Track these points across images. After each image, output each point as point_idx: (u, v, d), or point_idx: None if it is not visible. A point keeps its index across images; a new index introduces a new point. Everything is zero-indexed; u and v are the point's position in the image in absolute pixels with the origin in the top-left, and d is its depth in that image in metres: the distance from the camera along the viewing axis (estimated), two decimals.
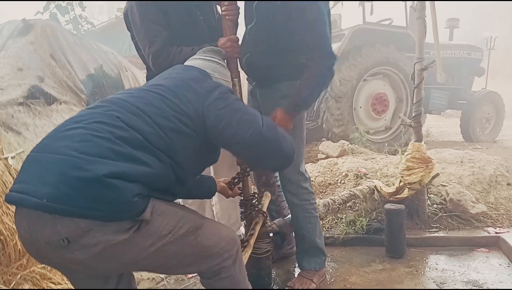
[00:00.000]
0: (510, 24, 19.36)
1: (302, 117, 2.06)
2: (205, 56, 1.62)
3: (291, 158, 1.52)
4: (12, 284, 1.99)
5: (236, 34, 1.95)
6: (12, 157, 2.34)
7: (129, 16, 1.97)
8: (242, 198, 2.03)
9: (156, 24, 1.89)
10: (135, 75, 5.41)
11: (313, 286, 2.08)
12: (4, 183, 2.16)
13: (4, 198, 1.16)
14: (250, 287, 1.52)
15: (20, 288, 2.04)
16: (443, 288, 2.02)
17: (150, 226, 1.14)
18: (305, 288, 2.06)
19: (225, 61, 1.92)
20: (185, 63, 1.62)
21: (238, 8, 1.91)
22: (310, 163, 3.77)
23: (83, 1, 6.05)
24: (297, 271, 2.30)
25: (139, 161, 1.14)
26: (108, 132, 1.15)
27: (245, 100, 2.01)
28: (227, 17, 1.87)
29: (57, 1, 5.76)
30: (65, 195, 1.03)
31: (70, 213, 1.03)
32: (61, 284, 2.19)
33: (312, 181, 3.28)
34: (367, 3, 5.80)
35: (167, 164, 1.22)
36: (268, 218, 2.13)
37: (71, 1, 5.96)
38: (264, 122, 1.42)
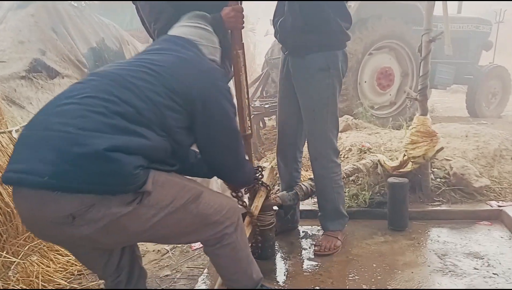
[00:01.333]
0: None
1: (334, 92, 2.04)
2: (191, 22, 1.59)
3: (241, 184, 1.75)
4: (21, 255, 2.03)
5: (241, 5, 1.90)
6: (16, 131, 2.35)
7: None
8: None
9: None
10: (137, 49, 5.36)
11: (339, 243, 2.19)
12: (8, 156, 2.17)
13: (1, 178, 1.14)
14: (251, 255, 1.56)
15: (29, 259, 2.09)
16: (445, 260, 2.04)
17: (152, 197, 1.15)
18: (332, 245, 2.15)
19: (229, 31, 1.90)
20: (172, 31, 1.59)
21: None
22: None
23: None
24: (299, 243, 2.34)
25: (136, 133, 1.14)
26: (102, 106, 1.13)
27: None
28: None
29: None
30: (66, 171, 1.02)
31: (74, 189, 1.03)
32: (68, 255, 2.24)
33: None
34: None
35: (163, 136, 1.22)
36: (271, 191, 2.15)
37: None
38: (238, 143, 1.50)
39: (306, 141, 2.27)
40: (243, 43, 1.92)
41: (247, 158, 1.67)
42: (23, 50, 3.73)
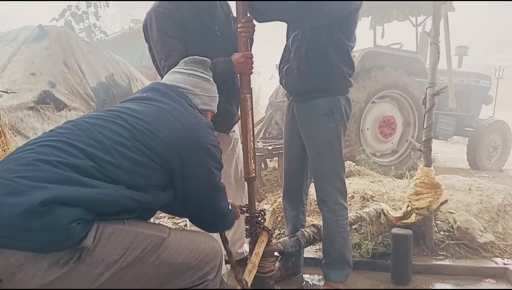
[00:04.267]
0: None
1: (339, 135, 2.06)
2: (186, 69, 1.53)
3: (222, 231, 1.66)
4: None
5: (251, 51, 1.96)
6: None
7: (148, 29, 1.99)
8: (247, 215, 2.00)
9: (173, 38, 1.90)
10: (144, 85, 5.46)
11: None
12: None
13: None
14: None
15: None
16: None
17: (95, 253, 1.03)
18: None
19: (238, 76, 1.94)
20: (166, 77, 1.55)
21: (254, 25, 1.93)
22: None
23: (98, 10, 6.14)
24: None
25: (87, 185, 1.04)
26: (56, 156, 1.07)
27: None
28: (242, 34, 1.88)
29: (71, 6, 5.86)
30: None
31: (1, 244, 0.93)
32: None
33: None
34: (378, 27, 5.86)
35: (126, 194, 1.11)
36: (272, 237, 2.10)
37: (86, 11, 6.07)
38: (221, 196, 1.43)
39: (312, 184, 2.25)
40: (251, 87, 1.97)
41: (230, 206, 1.55)
42: (34, 81, 3.80)
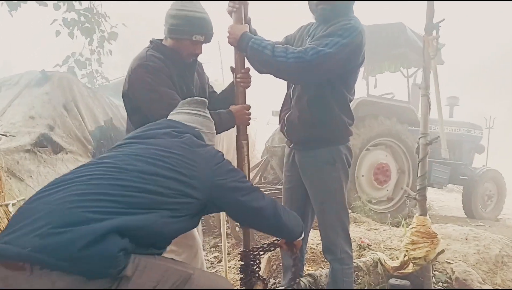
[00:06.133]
0: (509, 104, 20.01)
1: (342, 184, 2.07)
2: (191, 109, 1.63)
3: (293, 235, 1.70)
4: None
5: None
6: (12, 204, 2.32)
7: (135, 82, 1.96)
8: (242, 263, 1.97)
9: (170, 89, 1.93)
10: None
11: None
12: (1, 230, 2.11)
13: None
14: None
15: None
16: None
17: (131, 283, 1.09)
18: None
19: (236, 126, 1.99)
20: (172, 117, 1.63)
21: (251, 76, 2.00)
22: (312, 230, 3.69)
23: (101, 57, 6.35)
24: None
25: (133, 213, 1.13)
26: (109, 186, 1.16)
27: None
28: (241, 84, 1.95)
29: (75, 53, 6.04)
30: (50, 245, 0.99)
31: (50, 265, 0.98)
32: None
33: (314, 249, 3.20)
34: (371, 77, 6.07)
35: (165, 221, 1.20)
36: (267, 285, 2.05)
37: (89, 57, 6.27)
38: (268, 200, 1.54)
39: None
40: (247, 134, 2.01)
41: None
42: (33, 124, 3.85)
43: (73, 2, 5.69)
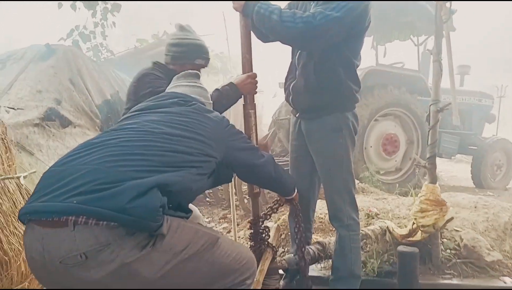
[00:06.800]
0: None
1: (348, 151, 2.06)
2: (188, 81, 1.70)
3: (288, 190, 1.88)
4: None
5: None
6: (24, 177, 2.34)
7: (135, 84, 2.08)
8: (252, 231, 1.99)
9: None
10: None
11: None
12: (14, 202, 2.15)
13: (18, 215, 1.13)
14: None
15: None
16: None
17: (165, 242, 1.13)
18: None
19: (243, 96, 1.97)
20: (171, 90, 1.69)
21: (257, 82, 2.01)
22: (319, 200, 3.71)
23: (105, 30, 6.26)
24: None
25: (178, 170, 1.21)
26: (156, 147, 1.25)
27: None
28: (246, 55, 1.91)
29: (79, 26, 5.96)
30: (101, 198, 1.04)
31: (98, 215, 1.02)
32: None
33: (322, 218, 3.22)
34: (380, 46, 5.93)
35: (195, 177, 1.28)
36: (277, 253, 2.08)
37: (93, 30, 6.18)
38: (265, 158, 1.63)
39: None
40: (255, 104, 1.99)
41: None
42: (40, 99, 3.85)
43: None
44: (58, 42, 5.27)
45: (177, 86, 1.67)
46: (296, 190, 1.94)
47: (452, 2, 2.52)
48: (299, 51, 2.08)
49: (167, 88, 1.73)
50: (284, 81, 2.25)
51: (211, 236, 1.30)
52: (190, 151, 1.30)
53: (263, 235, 1.99)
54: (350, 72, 2.01)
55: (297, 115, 2.21)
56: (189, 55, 2.13)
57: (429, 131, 2.59)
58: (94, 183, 1.06)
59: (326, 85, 1.99)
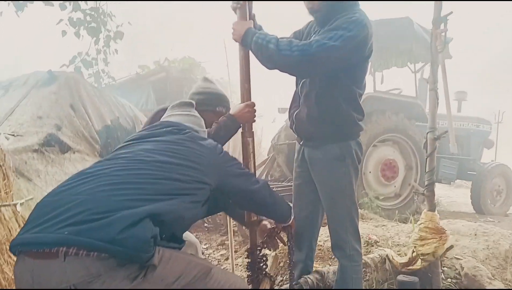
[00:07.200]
0: None
1: (351, 180, 2.05)
2: (182, 111, 1.72)
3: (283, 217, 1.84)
4: None
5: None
6: (21, 204, 2.33)
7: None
8: (249, 260, 1.96)
9: None
10: None
11: None
12: (9, 230, 2.13)
13: (9, 245, 1.12)
14: None
15: None
16: None
17: (157, 273, 1.12)
18: None
19: (241, 125, 2.00)
20: (166, 119, 1.71)
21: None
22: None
23: (107, 57, 6.37)
24: None
25: (162, 200, 1.19)
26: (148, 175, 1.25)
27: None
28: (245, 84, 1.95)
29: (82, 52, 6.06)
30: (88, 229, 1.03)
31: (88, 245, 1.01)
32: None
33: (321, 245, 3.19)
34: (377, 73, 6.03)
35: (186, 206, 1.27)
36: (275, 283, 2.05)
37: (95, 57, 6.29)
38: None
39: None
40: (253, 132, 2.01)
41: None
42: (41, 124, 3.88)
43: (79, 1, 5.72)
44: (60, 69, 5.36)
45: (172, 115, 1.70)
46: (292, 217, 1.92)
47: (448, 30, 2.57)
48: (302, 80, 2.11)
49: (162, 117, 1.75)
50: (284, 106, 2.29)
51: (203, 267, 1.29)
52: (184, 178, 1.30)
53: (261, 264, 1.97)
54: (352, 101, 2.03)
55: (301, 143, 2.23)
56: (211, 102, 2.16)
57: (426, 158, 2.60)
58: (85, 213, 1.06)
59: (328, 115, 2.01)
